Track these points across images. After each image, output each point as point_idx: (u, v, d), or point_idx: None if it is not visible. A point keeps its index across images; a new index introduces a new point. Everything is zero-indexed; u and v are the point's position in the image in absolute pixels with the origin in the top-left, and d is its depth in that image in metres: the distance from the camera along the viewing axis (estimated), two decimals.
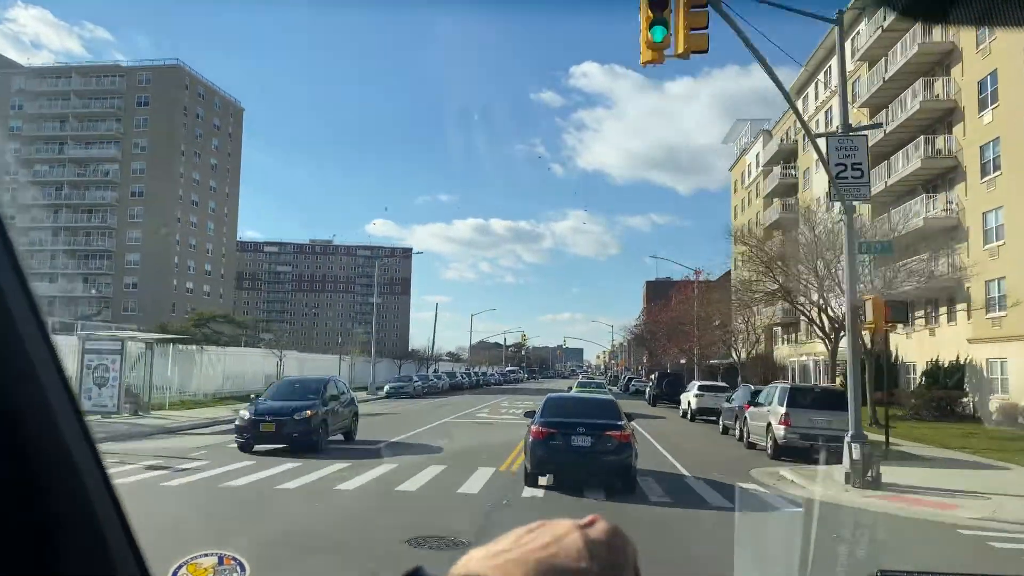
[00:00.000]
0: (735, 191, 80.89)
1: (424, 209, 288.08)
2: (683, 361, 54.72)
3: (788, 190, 60.94)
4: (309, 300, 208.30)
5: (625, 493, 12.57)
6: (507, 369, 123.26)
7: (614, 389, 75.66)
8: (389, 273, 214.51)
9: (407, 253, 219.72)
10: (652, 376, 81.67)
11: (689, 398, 31.44)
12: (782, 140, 61.97)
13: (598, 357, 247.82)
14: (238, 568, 2.42)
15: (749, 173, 73.65)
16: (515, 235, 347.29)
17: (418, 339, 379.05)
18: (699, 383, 32.25)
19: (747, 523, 10.36)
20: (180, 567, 2.37)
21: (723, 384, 33.01)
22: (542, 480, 13.21)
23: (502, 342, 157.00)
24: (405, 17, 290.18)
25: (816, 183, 53.17)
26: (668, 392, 42.11)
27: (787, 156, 61.16)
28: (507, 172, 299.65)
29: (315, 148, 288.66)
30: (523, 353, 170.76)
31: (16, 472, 0.57)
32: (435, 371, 73.26)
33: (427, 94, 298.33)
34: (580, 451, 12.68)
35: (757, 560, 6.75)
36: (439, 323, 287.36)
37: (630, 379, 73.47)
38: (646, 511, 11.40)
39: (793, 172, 60.37)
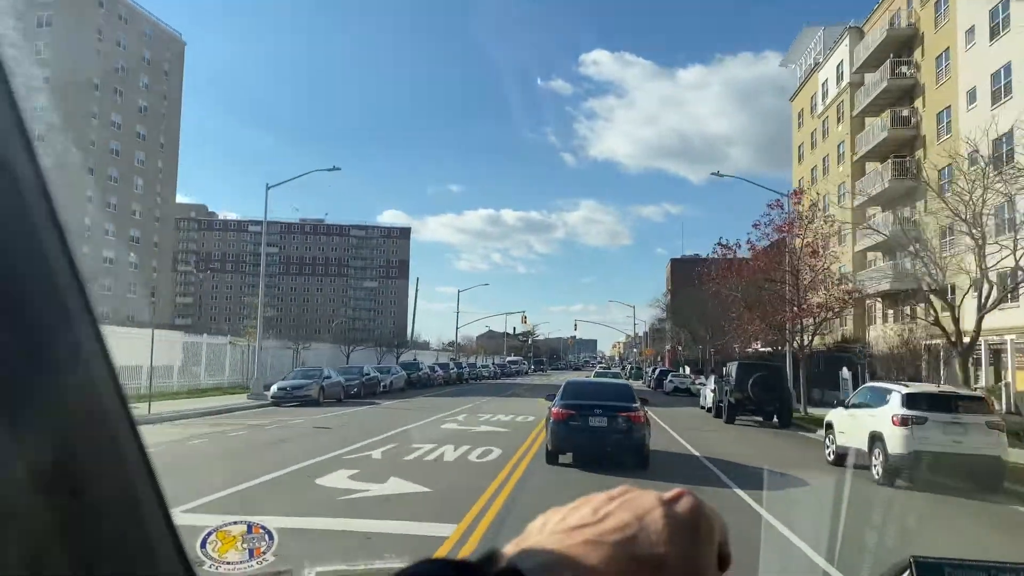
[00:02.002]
0: (799, 126, 61.70)
1: (435, 199, 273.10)
2: (757, 346, 35.62)
3: (902, 95, 41.77)
4: (298, 284, 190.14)
5: (639, 469, 12.72)
6: (508, 360, 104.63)
7: (640, 386, 56.86)
8: (386, 255, 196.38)
9: (405, 233, 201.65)
10: (699, 368, 62.21)
11: (881, 424, 12.44)
12: (891, 23, 42.57)
13: (614, 347, 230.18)
14: (266, 536, 2.43)
15: (825, 94, 54.41)
16: (526, 225, 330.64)
17: (423, 329, 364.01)
18: (901, 388, 12.92)
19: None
20: (210, 534, 2.38)
21: (963, 391, 13.70)
22: (562, 458, 13.41)
23: (505, 329, 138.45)
24: (412, 5, 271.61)
25: (968, 64, 34.01)
26: (762, 399, 23.35)
27: (899, 47, 41.87)
28: (518, 161, 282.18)
29: (318, 135, 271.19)
30: (529, 343, 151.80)
31: (69, 457, 0.60)
32: (413, 359, 55.46)
33: (434, 82, 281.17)
34: (597, 431, 13.15)
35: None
36: (448, 315, 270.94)
37: (663, 372, 54.36)
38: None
39: (907, 69, 41.16)
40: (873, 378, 35.46)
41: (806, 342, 27.59)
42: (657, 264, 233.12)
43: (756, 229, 29.13)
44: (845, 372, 34.47)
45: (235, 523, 2.44)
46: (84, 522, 0.60)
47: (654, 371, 60.92)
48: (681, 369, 59.65)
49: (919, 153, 40.11)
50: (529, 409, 27.58)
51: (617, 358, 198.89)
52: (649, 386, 56.78)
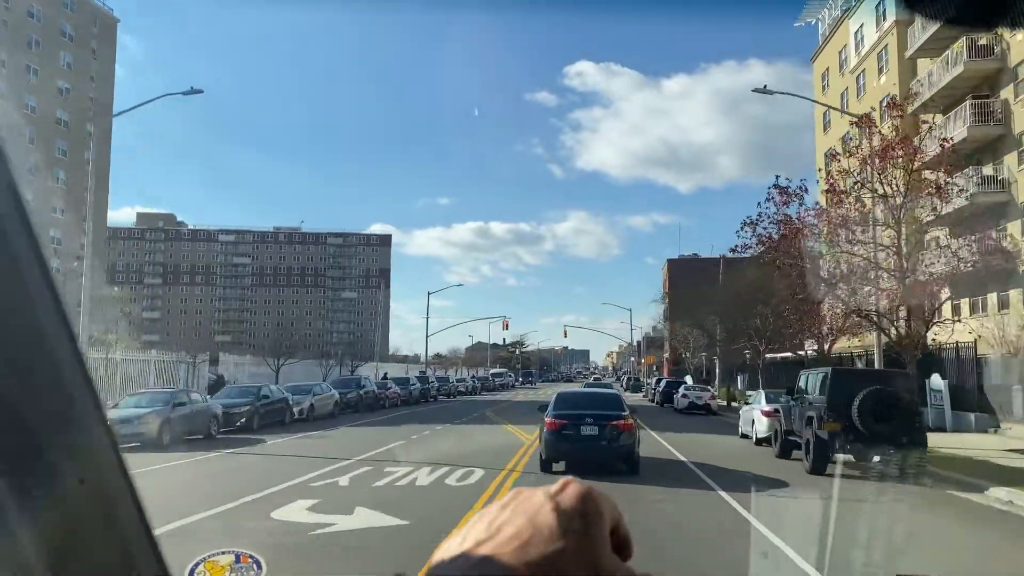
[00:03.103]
0: (823, 88, 52.24)
1: (423, 213, 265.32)
2: (810, 349, 25.73)
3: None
4: (271, 295, 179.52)
5: (630, 474, 13.12)
6: (492, 372, 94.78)
7: (640, 401, 46.90)
8: (365, 264, 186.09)
9: (385, 241, 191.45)
10: (704, 378, 51.94)
11: None
12: None
13: (607, 356, 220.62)
14: (255, 566, 2.38)
15: (859, 44, 45.06)
16: (516, 237, 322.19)
17: (411, 343, 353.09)
18: None
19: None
20: (198, 564, 2.32)
21: None
22: (556, 466, 13.81)
23: (490, 338, 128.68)
24: (396, 18, 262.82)
25: None
26: (881, 430, 13.43)
27: None
28: (505, 174, 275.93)
29: (304, 149, 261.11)
30: (517, 353, 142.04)
31: (45, 475, 0.59)
32: (383, 374, 46.13)
33: (420, 95, 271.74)
34: (589, 439, 13.64)
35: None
36: (437, 328, 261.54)
37: (672, 384, 44.34)
38: None
39: None
40: (980, 388, 25.58)
41: (921, 335, 17.79)
42: (649, 273, 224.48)
43: (834, 161, 19.36)
44: (936, 381, 24.61)
45: (223, 553, 2.39)
46: (65, 543, 0.58)
47: (657, 382, 50.90)
48: (691, 379, 49.76)
49: (1005, 92, 30.72)
50: (490, 446, 17.75)
51: (611, 368, 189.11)
52: (653, 401, 46.73)
